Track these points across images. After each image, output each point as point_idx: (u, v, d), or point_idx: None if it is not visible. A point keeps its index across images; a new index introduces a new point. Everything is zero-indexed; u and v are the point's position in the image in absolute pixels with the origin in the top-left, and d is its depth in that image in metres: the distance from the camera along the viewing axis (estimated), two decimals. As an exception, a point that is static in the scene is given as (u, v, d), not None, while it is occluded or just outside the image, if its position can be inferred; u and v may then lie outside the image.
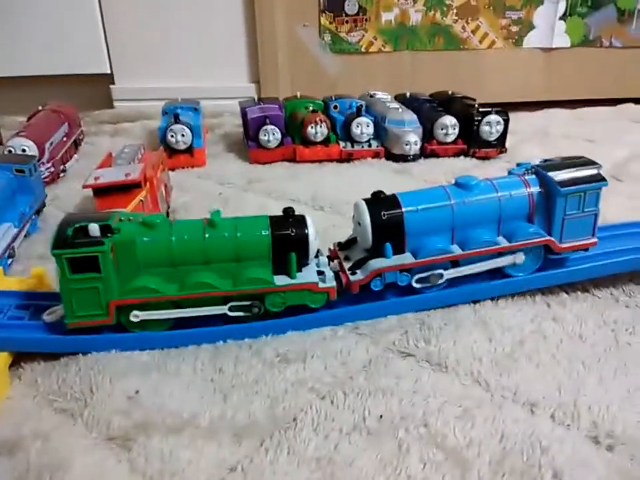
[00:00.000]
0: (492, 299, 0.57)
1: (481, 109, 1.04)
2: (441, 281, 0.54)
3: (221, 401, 0.44)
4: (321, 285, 0.51)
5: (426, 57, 1.39)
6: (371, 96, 1.16)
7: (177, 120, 1.00)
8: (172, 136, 1.00)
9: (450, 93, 1.16)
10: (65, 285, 0.47)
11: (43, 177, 0.91)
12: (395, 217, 0.53)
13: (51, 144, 0.96)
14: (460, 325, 0.53)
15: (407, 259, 0.53)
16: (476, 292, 0.56)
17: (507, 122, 1.04)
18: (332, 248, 0.58)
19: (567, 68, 1.42)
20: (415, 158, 1.02)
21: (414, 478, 0.37)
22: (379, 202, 0.53)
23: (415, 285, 0.54)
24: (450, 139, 1.04)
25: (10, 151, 0.88)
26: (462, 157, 1.04)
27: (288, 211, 0.51)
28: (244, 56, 1.39)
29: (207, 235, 0.49)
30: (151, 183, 0.72)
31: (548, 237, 0.55)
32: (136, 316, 0.49)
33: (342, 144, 1.04)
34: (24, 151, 0.89)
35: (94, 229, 0.46)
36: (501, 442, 0.40)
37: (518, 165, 0.59)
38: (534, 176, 0.56)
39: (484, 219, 0.55)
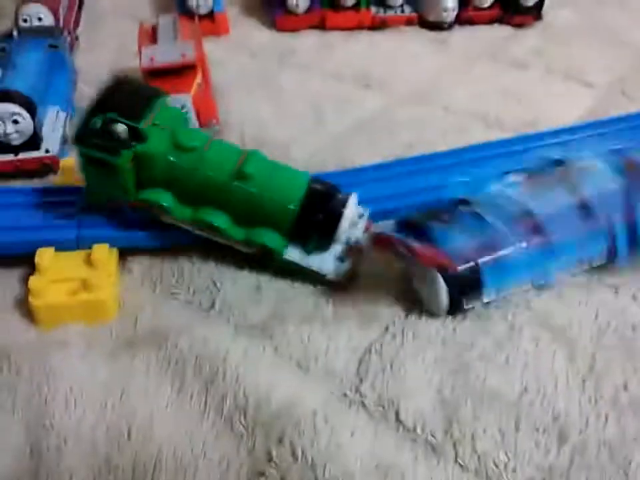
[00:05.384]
0: None
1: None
2: None
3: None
4: (329, 277, 0.47)
5: None
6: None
7: (196, -21, 0.92)
8: (193, -2, 0.92)
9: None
10: (85, 171, 0.47)
11: (61, 48, 0.85)
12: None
13: (63, 8, 0.88)
14: None
15: None
16: None
17: (546, -14, 0.99)
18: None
19: None
20: (450, 25, 0.98)
21: None
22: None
23: None
24: (487, 3, 0.99)
25: (25, 21, 0.81)
26: (496, 25, 1.01)
27: (331, 190, 0.47)
28: None
29: (234, 183, 0.46)
30: (202, 62, 0.69)
31: None
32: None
33: (373, 9, 0.98)
34: (40, 19, 0.81)
35: (122, 130, 0.43)
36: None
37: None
38: None
39: None
